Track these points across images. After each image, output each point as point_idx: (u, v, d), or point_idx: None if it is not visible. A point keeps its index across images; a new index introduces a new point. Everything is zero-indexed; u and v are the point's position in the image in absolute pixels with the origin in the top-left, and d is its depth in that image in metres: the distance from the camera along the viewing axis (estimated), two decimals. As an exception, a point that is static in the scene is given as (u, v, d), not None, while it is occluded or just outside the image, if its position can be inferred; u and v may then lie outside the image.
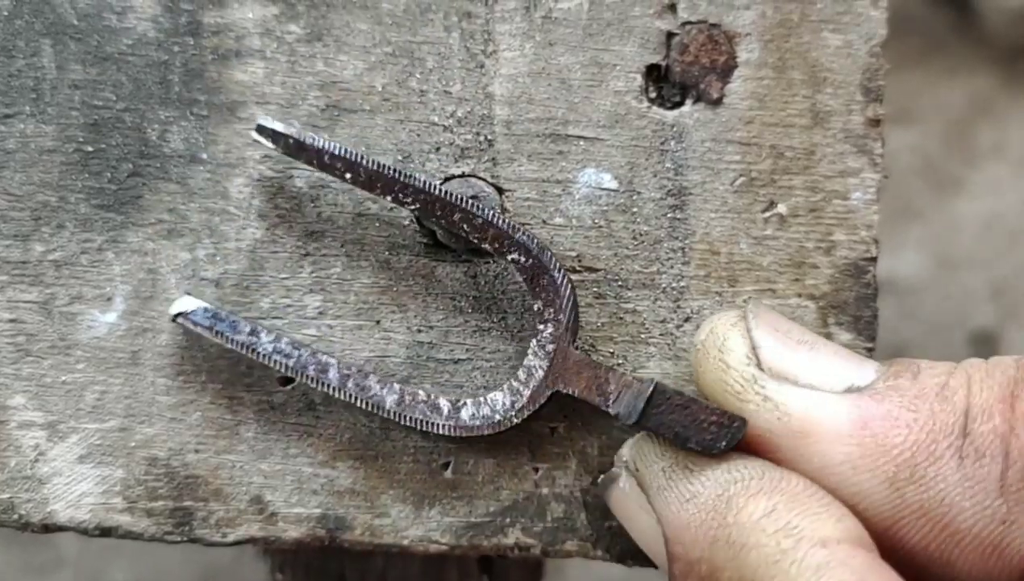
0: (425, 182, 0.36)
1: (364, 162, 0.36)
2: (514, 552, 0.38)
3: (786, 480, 0.30)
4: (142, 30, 0.38)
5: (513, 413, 0.36)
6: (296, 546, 0.38)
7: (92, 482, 0.38)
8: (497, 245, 0.36)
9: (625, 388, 0.34)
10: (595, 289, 0.38)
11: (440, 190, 0.36)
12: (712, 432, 0.32)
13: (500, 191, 0.38)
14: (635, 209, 0.38)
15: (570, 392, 0.35)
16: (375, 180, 0.36)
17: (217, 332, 0.36)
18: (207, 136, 0.38)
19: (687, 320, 0.38)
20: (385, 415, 0.36)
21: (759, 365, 0.32)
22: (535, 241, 0.36)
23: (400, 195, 0.36)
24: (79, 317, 0.38)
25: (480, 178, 0.38)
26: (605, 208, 0.38)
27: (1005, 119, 1.19)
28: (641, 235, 0.39)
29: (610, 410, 0.34)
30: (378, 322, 0.38)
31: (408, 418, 0.36)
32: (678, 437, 0.32)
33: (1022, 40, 1.20)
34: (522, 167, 0.38)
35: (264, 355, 0.36)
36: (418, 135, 0.38)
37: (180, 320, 0.36)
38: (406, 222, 0.38)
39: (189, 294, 0.37)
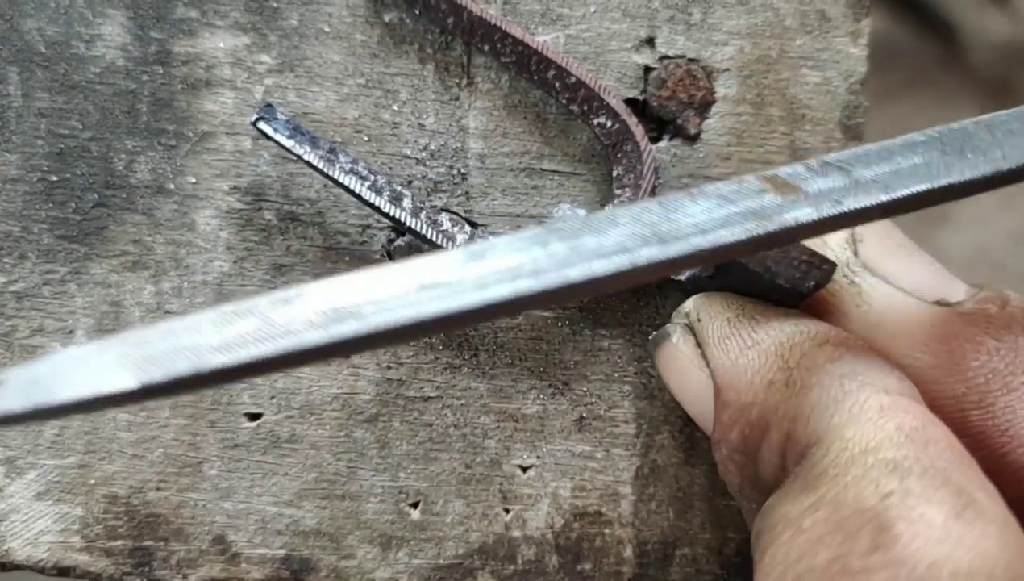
0: (523, 35, 0.36)
1: (468, 7, 0.36)
2: (484, 595, 0.37)
3: (853, 339, 0.30)
4: (111, 58, 0.37)
5: None
6: (260, 587, 0.37)
7: (50, 520, 0.37)
8: (585, 107, 0.36)
9: None
10: (569, 326, 0.38)
11: (538, 44, 0.36)
12: (802, 270, 0.31)
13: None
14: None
15: None
16: (477, 27, 0.36)
17: (296, 143, 0.34)
18: (175, 167, 0.37)
19: (662, 359, 0.38)
20: None
21: (855, 253, 0.32)
22: (624, 107, 0.36)
23: (499, 45, 0.36)
24: (40, 350, 0.37)
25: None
26: (580, 244, 0.38)
27: (991, 151, 1.19)
28: (616, 272, 0.38)
29: (682, 277, 0.34)
30: (347, 357, 0.37)
31: None
32: (768, 271, 0.31)
33: (1007, 72, 1.21)
34: (496, 201, 0.38)
35: (340, 175, 0.35)
36: (390, 168, 0.38)
37: (261, 125, 0.35)
38: (377, 256, 0.37)
39: (271, 104, 0.35)
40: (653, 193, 0.36)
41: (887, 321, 0.31)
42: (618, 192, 0.36)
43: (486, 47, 0.36)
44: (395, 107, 0.38)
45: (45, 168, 0.37)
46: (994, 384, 0.29)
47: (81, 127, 0.37)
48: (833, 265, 0.31)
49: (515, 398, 0.37)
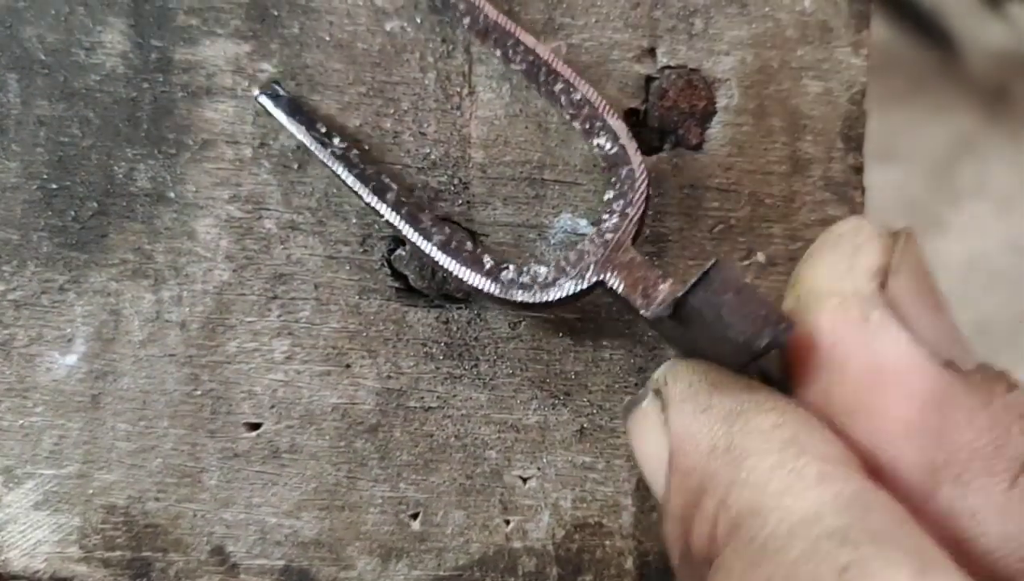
0: (535, 45, 0.36)
1: (486, 9, 0.36)
2: (484, 606, 0.37)
3: (804, 412, 0.29)
4: (111, 66, 0.37)
5: (548, 291, 0.35)
6: (258, 598, 0.37)
7: (48, 530, 0.36)
8: (587, 126, 0.36)
9: (673, 294, 0.32)
10: (570, 337, 0.38)
11: (549, 56, 0.36)
12: (757, 325, 0.29)
13: (474, 235, 0.37)
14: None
15: (614, 286, 0.34)
16: (491, 31, 0.36)
17: (292, 121, 0.36)
18: (175, 175, 0.37)
19: (664, 369, 0.38)
20: (428, 251, 0.35)
21: (882, 284, 0.30)
22: (626, 129, 0.35)
23: (511, 52, 0.36)
24: (38, 359, 0.37)
25: (454, 222, 0.37)
26: (581, 254, 0.38)
27: (988, 158, 1.19)
28: (617, 282, 0.38)
29: (647, 314, 0.33)
30: (347, 367, 0.37)
31: (450, 261, 0.35)
32: (720, 320, 0.29)
33: (1005, 80, 1.21)
34: (497, 211, 0.38)
35: (329, 157, 0.35)
36: (392, 177, 0.38)
37: (262, 99, 0.36)
38: (377, 266, 0.37)
39: (278, 81, 0.37)
40: (641, 222, 0.35)
41: (891, 368, 0.29)
42: (605, 217, 0.35)
43: (498, 52, 0.36)
44: (396, 116, 0.38)
45: (45, 176, 0.37)
46: (975, 463, 0.28)
47: (81, 135, 0.37)
48: (792, 326, 0.29)
49: (516, 409, 0.37)
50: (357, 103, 0.38)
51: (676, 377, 0.31)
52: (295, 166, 0.37)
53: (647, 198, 0.35)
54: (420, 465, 0.37)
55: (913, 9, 1.16)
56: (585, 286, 0.34)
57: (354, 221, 0.37)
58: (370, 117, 0.38)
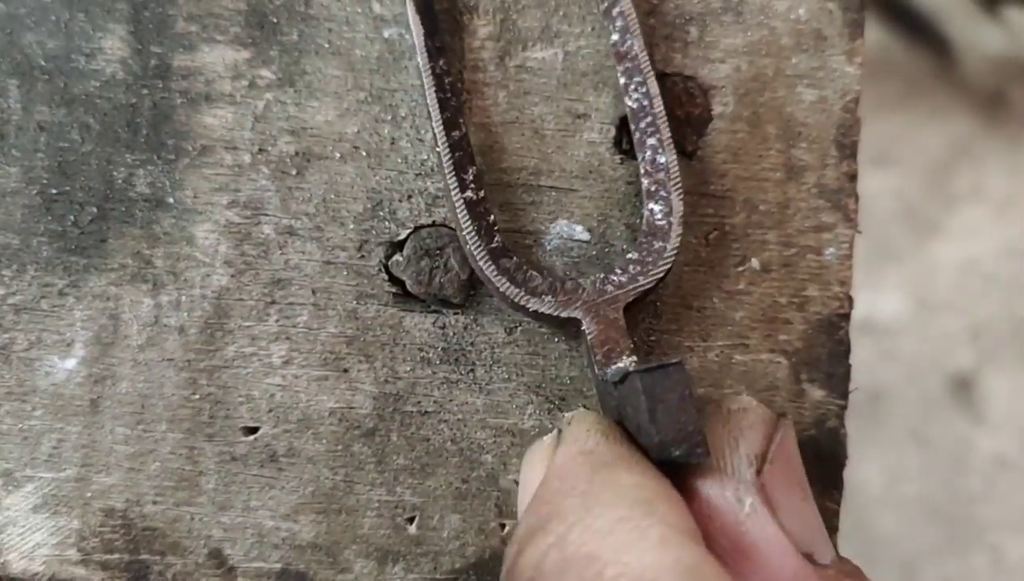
0: (657, 93, 0.37)
1: (636, 33, 0.37)
2: (479, 609, 0.37)
3: (668, 485, 0.30)
4: (111, 72, 0.37)
5: (529, 297, 0.35)
6: (256, 601, 0.37)
7: (47, 532, 0.37)
8: (652, 189, 0.36)
9: (629, 367, 0.33)
10: (566, 342, 0.38)
11: (660, 110, 0.36)
12: (680, 436, 0.30)
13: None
14: (607, 261, 0.38)
15: (585, 330, 0.35)
16: (628, 59, 0.37)
17: (417, 15, 0.36)
18: (174, 181, 0.37)
19: (658, 374, 0.38)
20: (453, 198, 0.35)
21: (759, 471, 0.32)
22: (681, 214, 0.36)
23: (633, 86, 0.37)
24: (37, 363, 0.37)
25: (451, 228, 0.38)
26: (577, 260, 0.38)
27: (983, 163, 1.20)
28: (613, 288, 0.38)
29: (598, 371, 0.34)
30: (345, 371, 0.37)
31: (467, 219, 0.35)
32: (653, 412, 0.30)
33: (1000, 85, 1.22)
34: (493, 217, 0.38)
35: (427, 69, 0.36)
36: (389, 182, 0.38)
37: None
38: (374, 271, 0.38)
39: None
40: (645, 296, 0.36)
41: (755, 551, 0.30)
42: (618, 270, 0.36)
43: (623, 79, 0.37)
44: (394, 122, 0.38)
45: (45, 181, 0.37)
46: None
47: (81, 140, 0.37)
48: (707, 455, 0.30)
49: (512, 413, 0.38)
50: (355, 109, 0.38)
51: (579, 421, 0.33)
52: (293, 172, 0.37)
53: (659, 283, 0.35)
54: (417, 469, 0.37)
55: (909, 13, 1.16)
56: (562, 315, 0.35)
57: (351, 226, 0.38)
58: (368, 123, 0.38)
